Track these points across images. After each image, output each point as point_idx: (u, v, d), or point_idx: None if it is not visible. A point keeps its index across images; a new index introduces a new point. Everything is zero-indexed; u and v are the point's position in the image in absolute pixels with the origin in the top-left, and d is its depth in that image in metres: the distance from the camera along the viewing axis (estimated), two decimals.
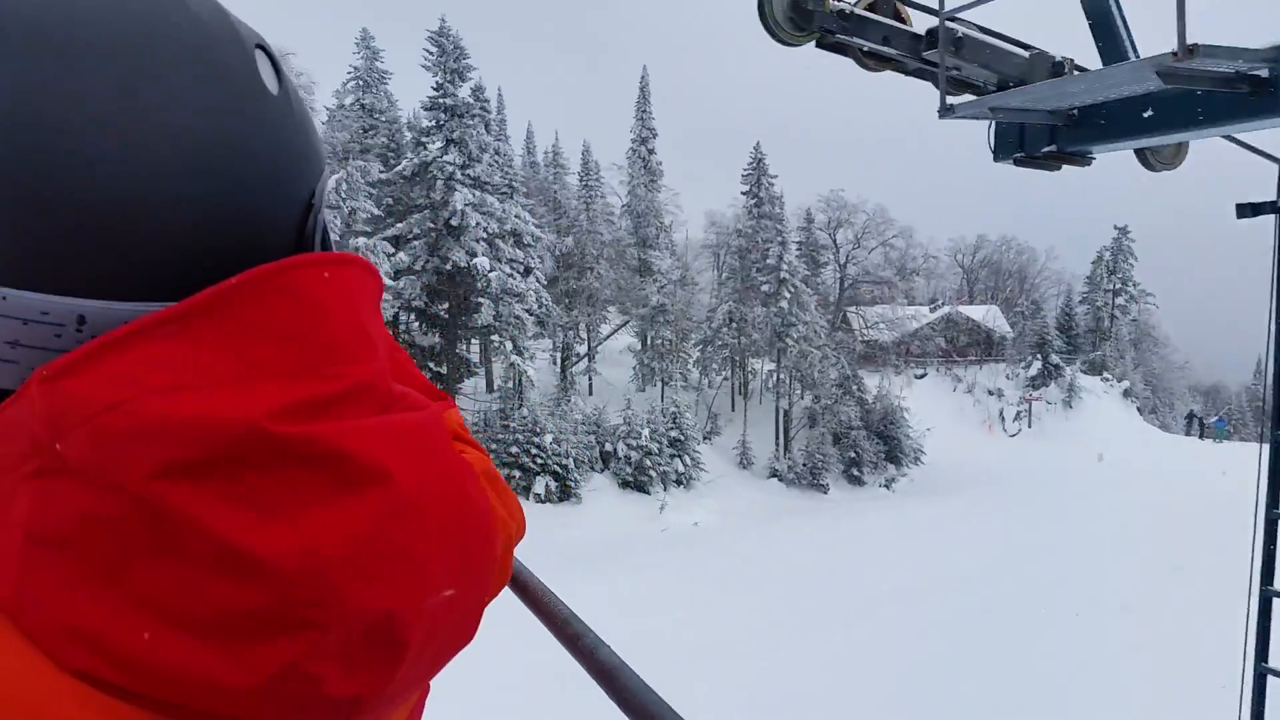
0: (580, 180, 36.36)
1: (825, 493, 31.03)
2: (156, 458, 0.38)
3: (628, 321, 37.43)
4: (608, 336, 37.62)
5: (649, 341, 35.25)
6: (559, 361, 33.39)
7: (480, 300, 25.44)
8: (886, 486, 32.50)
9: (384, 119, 30.35)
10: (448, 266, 25.38)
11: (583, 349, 35.47)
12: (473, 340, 28.65)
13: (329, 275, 0.44)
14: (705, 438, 31.23)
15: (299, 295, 0.43)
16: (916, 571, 17.52)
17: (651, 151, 39.51)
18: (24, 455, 0.40)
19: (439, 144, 25.68)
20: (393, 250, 24.84)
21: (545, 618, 1.28)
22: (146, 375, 0.39)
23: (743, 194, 37.31)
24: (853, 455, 32.57)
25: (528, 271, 27.52)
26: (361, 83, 31.83)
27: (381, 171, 26.08)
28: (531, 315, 26.78)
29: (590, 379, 34.74)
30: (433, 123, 26.42)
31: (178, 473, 0.38)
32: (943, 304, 50.36)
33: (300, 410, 0.41)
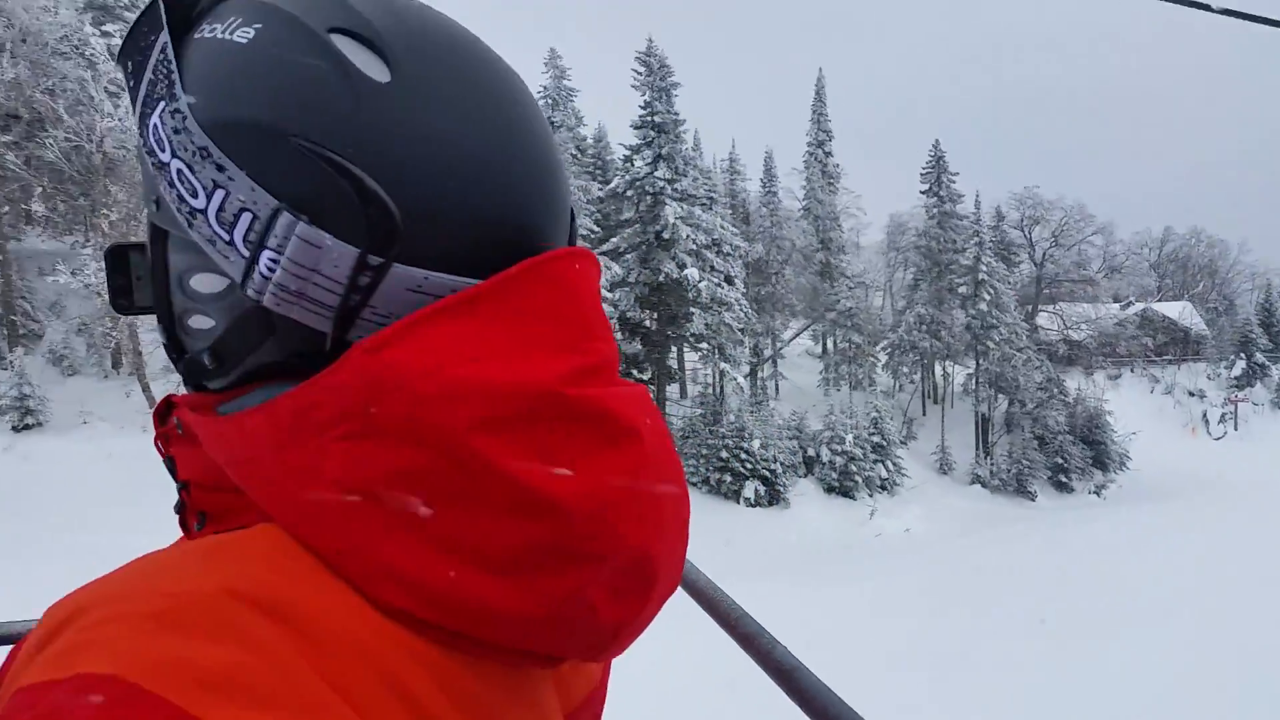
0: (763, 186, 36.67)
1: (1033, 500, 30.19)
2: (470, 415, 0.43)
3: (810, 325, 37.53)
4: (790, 340, 37.85)
5: (833, 345, 35.21)
6: (750, 367, 33.92)
7: (692, 310, 26.27)
8: (1096, 493, 31.28)
9: (572, 135, 31.65)
10: (659, 278, 26.35)
11: (767, 353, 35.87)
12: (672, 348, 29.51)
13: (579, 267, 0.51)
14: (902, 442, 31.05)
15: (560, 282, 0.49)
16: (1160, 584, 16.77)
17: (829, 154, 39.45)
18: (333, 420, 0.44)
19: (648, 160, 26.71)
20: (611, 264, 25.98)
21: (718, 617, 1.28)
22: (451, 347, 0.44)
23: (922, 193, 36.75)
24: (1059, 461, 31.54)
25: (730, 280, 28.16)
26: (550, 100, 33.37)
27: (600, 190, 27.29)
28: (737, 323, 27.40)
29: (776, 383, 35.05)
30: (642, 140, 27.46)
31: (486, 427, 0.43)
32: (1131, 301, 47.89)
33: (575, 377, 0.47)
